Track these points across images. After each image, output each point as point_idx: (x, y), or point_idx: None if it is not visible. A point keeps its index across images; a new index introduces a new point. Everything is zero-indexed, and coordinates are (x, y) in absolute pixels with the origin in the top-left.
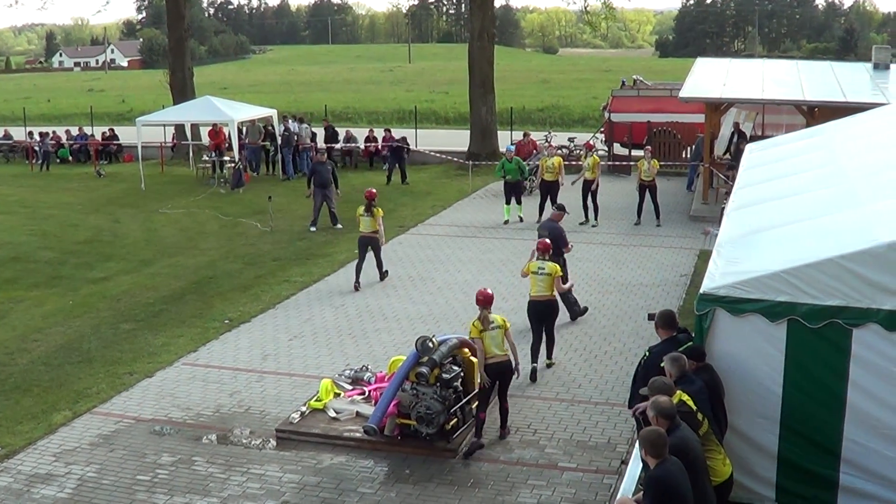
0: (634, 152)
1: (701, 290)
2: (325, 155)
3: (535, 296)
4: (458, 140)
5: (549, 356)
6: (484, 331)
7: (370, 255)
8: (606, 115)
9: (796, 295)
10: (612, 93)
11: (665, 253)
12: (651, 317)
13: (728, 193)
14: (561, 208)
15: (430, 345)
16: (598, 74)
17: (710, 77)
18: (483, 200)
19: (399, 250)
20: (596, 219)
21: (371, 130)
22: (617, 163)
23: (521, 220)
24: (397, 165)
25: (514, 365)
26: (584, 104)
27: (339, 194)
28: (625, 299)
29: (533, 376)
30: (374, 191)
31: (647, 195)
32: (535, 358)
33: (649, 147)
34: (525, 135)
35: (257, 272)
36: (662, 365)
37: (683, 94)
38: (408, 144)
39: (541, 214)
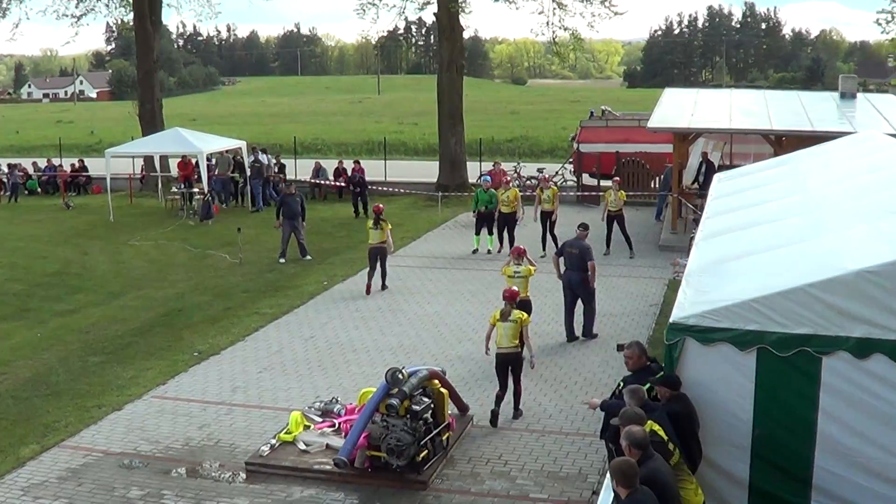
0: (603, 182)
1: (671, 320)
2: (294, 186)
3: (501, 347)
4: (427, 171)
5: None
6: (500, 321)
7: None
8: (575, 145)
9: (765, 324)
10: (580, 123)
11: (634, 283)
12: (620, 347)
13: (697, 223)
14: (585, 227)
15: (400, 376)
16: (566, 105)
17: (678, 107)
18: (453, 231)
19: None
20: (555, 242)
21: (340, 162)
22: (586, 193)
23: (490, 252)
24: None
25: (529, 356)
26: (553, 135)
27: (304, 226)
28: (599, 328)
29: (493, 421)
30: (381, 206)
31: (616, 226)
32: (497, 403)
33: (617, 178)
34: (495, 164)
35: (227, 304)
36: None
37: (652, 124)
38: (363, 182)
39: (501, 245)
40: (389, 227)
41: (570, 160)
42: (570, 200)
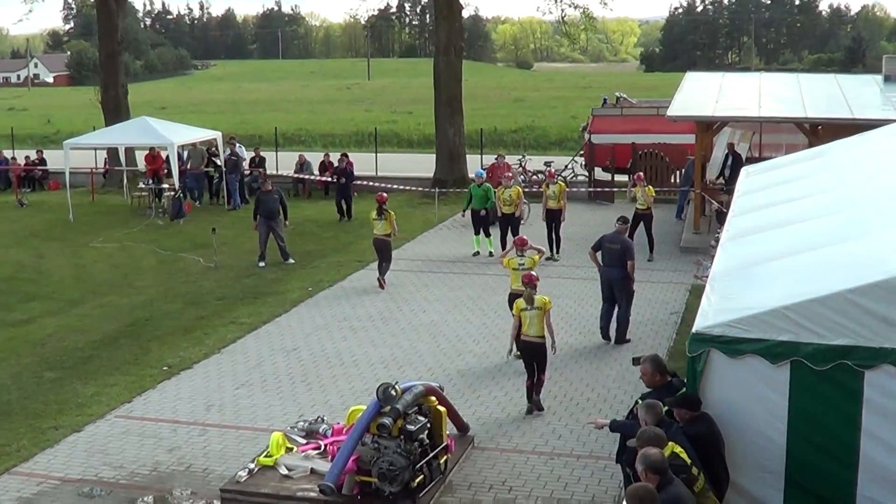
0: (618, 177)
1: (693, 330)
2: (270, 183)
3: (526, 335)
4: (423, 165)
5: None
6: (524, 310)
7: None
8: (586, 136)
9: (800, 333)
10: (592, 112)
11: (652, 288)
12: (636, 361)
13: (722, 221)
14: (624, 220)
15: (393, 393)
16: (577, 91)
17: (701, 93)
18: (451, 231)
19: (358, 287)
20: (558, 252)
21: (326, 155)
22: (599, 189)
23: (492, 254)
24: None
25: (551, 343)
26: (562, 125)
27: (287, 226)
28: (609, 341)
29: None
30: (385, 195)
31: (642, 226)
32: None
33: (640, 174)
34: (498, 157)
35: (200, 313)
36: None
37: (672, 112)
38: (350, 174)
39: (503, 247)
40: (395, 217)
41: (581, 153)
42: (581, 198)
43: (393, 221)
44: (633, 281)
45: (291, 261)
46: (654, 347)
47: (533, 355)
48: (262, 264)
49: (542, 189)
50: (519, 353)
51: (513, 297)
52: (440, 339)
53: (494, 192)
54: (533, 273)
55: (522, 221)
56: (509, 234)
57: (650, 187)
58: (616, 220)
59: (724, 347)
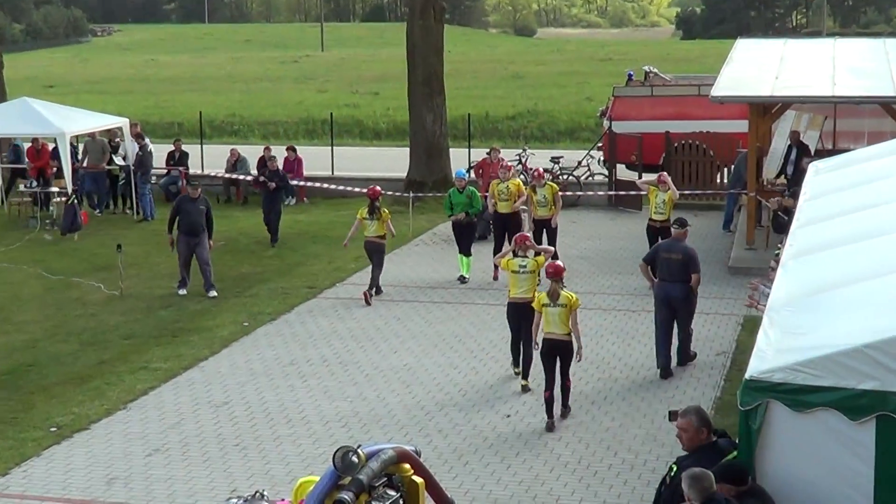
0: (647, 177)
1: (747, 375)
2: (198, 187)
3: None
4: (393, 162)
5: (524, 375)
6: (547, 306)
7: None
8: (606, 123)
9: (889, 381)
10: (614, 92)
11: (694, 323)
12: (673, 415)
13: (784, 233)
14: (682, 223)
15: (355, 459)
16: (593, 65)
17: (755, 66)
18: (429, 248)
19: (309, 322)
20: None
21: (267, 149)
22: (622, 192)
23: (464, 279)
24: (284, 205)
25: (577, 348)
26: (575, 108)
27: (212, 245)
28: (636, 390)
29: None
30: (379, 188)
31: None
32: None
33: (665, 175)
34: (491, 151)
35: (100, 356)
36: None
37: (718, 92)
38: (282, 177)
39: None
40: (389, 216)
41: (599, 146)
42: (599, 203)
43: (388, 223)
44: (696, 298)
45: (214, 294)
46: (695, 398)
47: (555, 353)
48: (182, 292)
49: (527, 193)
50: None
51: (513, 309)
52: (416, 388)
53: (480, 197)
54: (560, 263)
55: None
56: (506, 243)
57: (671, 192)
58: (672, 224)
59: (788, 399)
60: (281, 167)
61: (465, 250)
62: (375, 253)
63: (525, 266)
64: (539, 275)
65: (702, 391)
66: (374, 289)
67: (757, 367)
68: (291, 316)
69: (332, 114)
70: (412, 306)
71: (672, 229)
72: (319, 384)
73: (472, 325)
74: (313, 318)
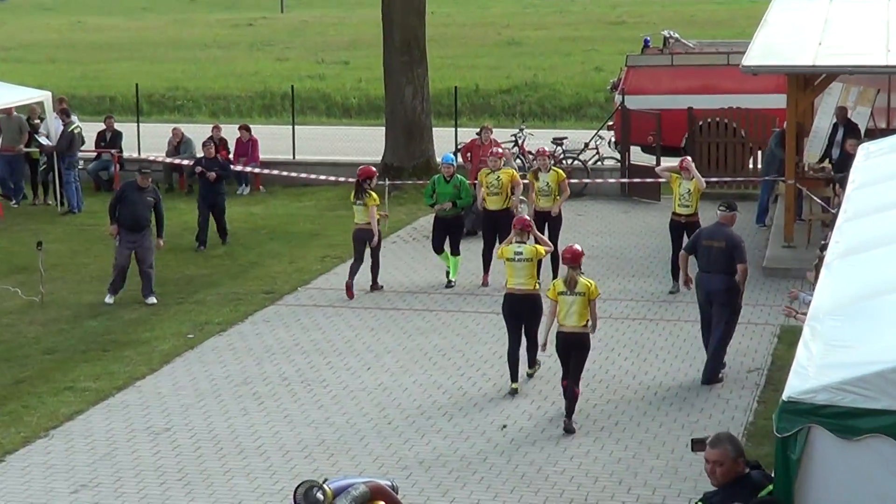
0: (667, 162)
1: (784, 396)
2: (149, 175)
3: (513, 287)
4: (365, 144)
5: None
6: (563, 294)
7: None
8: (618, 98)
9: None
10: (627, 61)
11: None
12: (698, 444)
13: (829, 228)
14: (730, 206)
15: (321, 496)
16: (602, 29)
17: (795, 30)
18: (409, 246)
19: (266, 333)
20: (556, 275)
21: (216, 128)
22: (637, 180)
23: (451, 283)
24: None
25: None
26: (581, 81)
27: (162, 244)
28: (653, 413)
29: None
30: (373, 168)
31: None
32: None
33: (688, 160)
34: (482, 130)
35: (17, 374)
36: None
37: (750, 60)
38: (225, 166)
39: (486, 267)
40: (377, 201)
41: (610, 124)
42: (610, 193)
43: (373, 209)
44: (741, 294)
45: (153, 300)
46: (723, 424)
47: (570, 349)
48: (109, 300)
49: (528, 180)
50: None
51: (509, 301)
52: (392, 412)
53: (468, 185)
54: (577, 247)
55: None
56: (497, 244)
57: (696, 181)
58: (718, 207)
59: (833, 424)
60: (233, 150)
61: (451, 247)
62: (358, 243)
63: (521, 253)
64: (539, 265)
65: (731, 415)
66: (351, 278)
67: (796, 386)
68: (245, 326)
69: (293, 87)
70: (388, 315)
71: (718, 212)
72: (278, 407)
73: (458, 338)
74: (271, 329)
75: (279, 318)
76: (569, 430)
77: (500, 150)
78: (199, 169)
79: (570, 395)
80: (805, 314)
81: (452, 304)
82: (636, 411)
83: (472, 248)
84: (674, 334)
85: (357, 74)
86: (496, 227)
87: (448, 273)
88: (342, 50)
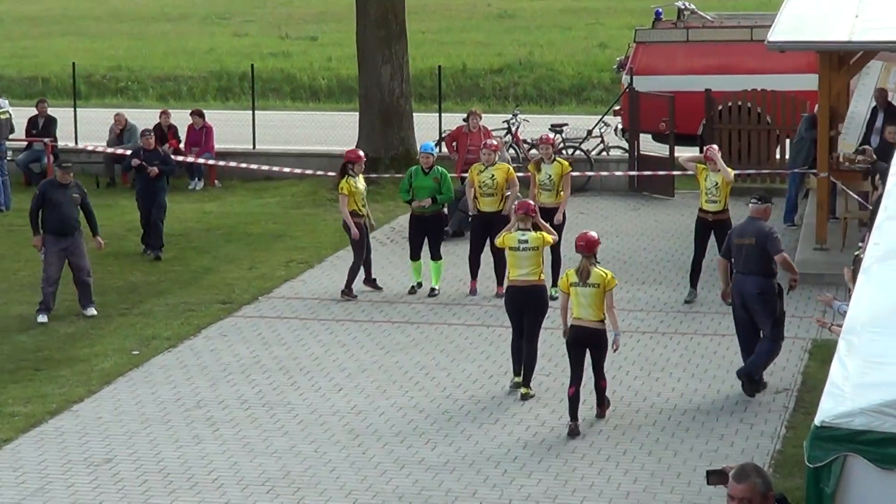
0: (682, 153)
1: (817, 421)
2: (70, 170)
3: (515, 280)
4: (337, 132)
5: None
6: (575, 285)
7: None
8: (626, 79)
9: None
10: (636, 36)
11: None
12: (713, 477)
13: (867, 228)
14: (763, 198)
15: None
16: (608, 0)
17: (828, 0)
18: (386, 249)
19: (223, 350)
20: (554, 285)
21: (165, 114)
22: (648, 173)
23: (435, 292)
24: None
25: (613, 337)
26: (583, 59)
27: (102, 244)
28: (666, 440)
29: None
30: (360, 153)
31: (714, 240)
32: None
33: (714, 148)
34: (469, 116)
35: None
36: None
37: (777, 35)
38: (169, 161)
39: (474, 273)
40: (343, 190)
41: (617, 108)
42: (616, 188)
43: (342, 198)
44: (782, 291)
45: (92, 312)
46: (747, 452)
47: (584, 345)
48: (42, 319)
49: (528, 172)
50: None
51: (511, 294)
52: (367, 440)
53: (450, 178)
54: (592, 233)
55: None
56: (486, 251)
57: (727, 174)
58: (749, 200)
59: (873, 452)
60: (184, 139)
61: (431, 252)
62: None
63: (526, 241)
64: (543, 255)
65: (755, 442)
66: (369, 276)
67: (831, 409)
68: (198, 341)
69: (253, 66)
70: (363, 328)
71: (749, 205)
72: (236, 434)
73: (443, 354)
74: (228, 345)
75: (237, 332)
76: (599, 415)
77: (494, 143)
78: (136, 161)
79: (599, 388)
80: (840, 326)
81: (436, 316)
82: (647, 438)
83: (457, 252)
84: (690, 350)
85: (326, 52)
86: (488, 229)
87: (417, 284)
88: (309, 23)
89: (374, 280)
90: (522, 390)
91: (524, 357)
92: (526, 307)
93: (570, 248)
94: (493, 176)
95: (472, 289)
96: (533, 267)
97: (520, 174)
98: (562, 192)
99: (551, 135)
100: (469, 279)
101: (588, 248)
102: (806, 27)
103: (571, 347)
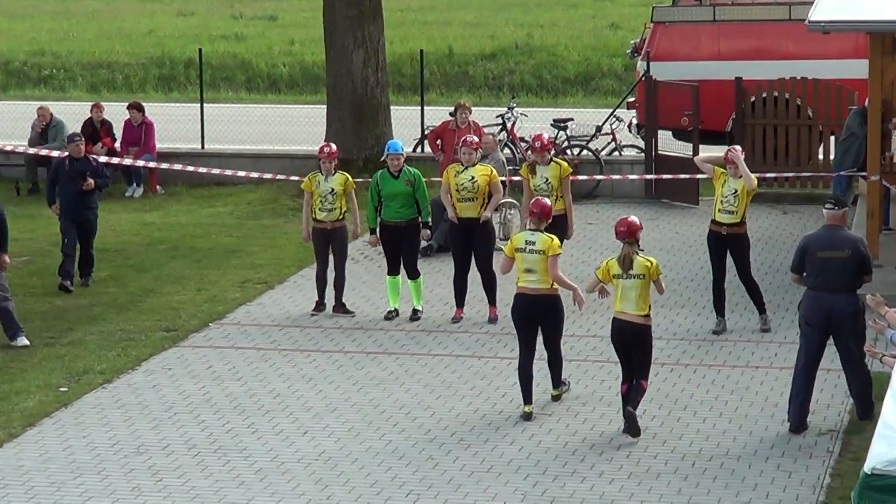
0: (707, 152)
1: (866, 468)
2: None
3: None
4: (301, 128)
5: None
6: (619, 277)
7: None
8: (642, 66)
9: None
10: (653, 17)
11: (781, 383)
12: None
13: None
14: (840, 202)
15: None
16: None
17: None
18: (359, 266)
19: (167, 386)
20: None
21: (97, 108)
22: (667, 176)
23: (417, 314)
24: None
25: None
26: (590, 44)
27: (6, 263)
28: (689, 490)
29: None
30: (335, 148)
31: (730, 258)
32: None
33: (737, 150)
34: (457, 109)
35: None
36: None
37: (820, 14)
38: (98, 170)
39: (460, 300)
40: (353, 186)
41: (631, 100)
42: (631, 194)
43: (352, 193)
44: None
45: (24, 341)
46: (787, 502)
47: (630, 341)
48: None
49: (522, 175)
50: None
51: (520, 303)
52: (337, 491)
53: (425, 183)
54: (633, 218)
55: (500, 239)
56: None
57: (748, 181)
58: (824, 205)
59: None
60: (120, 137)
61: (408, 270)
62: (332, 244)
63: (533, 243)
64: (550, 260)
65: (794, 493)
66: (336, 300)
67: (883, 454)
68: (137, 376)
69: (200, 51)
70: (332, 359)
71: (825, 211)
72: (183, 485)
73: (426, 390)
74: (173, 380)
75: (184, 365)
76: (632, 426)
77: (475, 140)
78: (88, 184)
79: (637, 388)
80: (895, 357)
81: (418, 345)
82: (667, 488)
83: (443, 269)
84: (718, 384)
85: (288, 34)
86: (468, 239)
87: (394, 310)
88: (267, 0)
89: (343, 305)
90: (553, 392)
91: (549, 362)
92: (543, 320)
93: (575, 265)
94: (472, 178)
95: (457, 317)
96: (543, 272)
97: (518, 178)
98: (562, 198)
99: (546, 133)
100: (456, 304)
101: (630, 234)
102: (855, 4)
103: (616, 345)
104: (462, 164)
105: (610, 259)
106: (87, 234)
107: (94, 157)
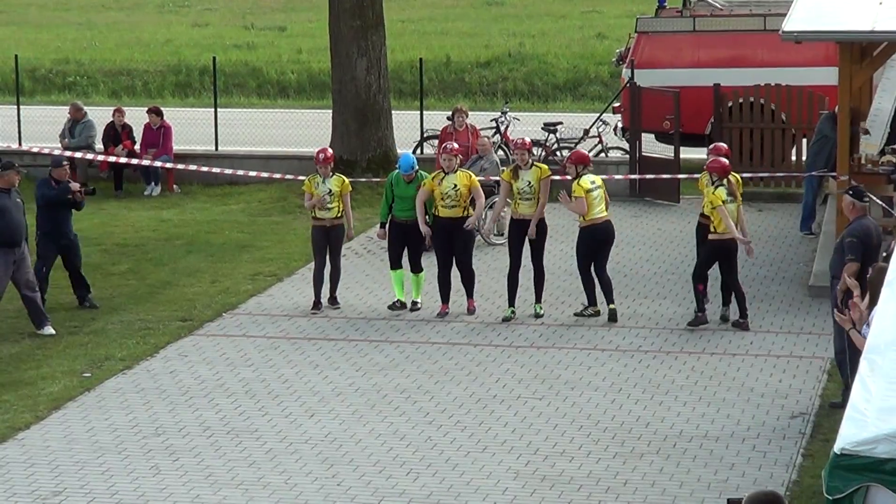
0: (688, 154)
1: (836, 448)
2: (15, 173)
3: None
4: (308, 131)
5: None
6: (727, 202)
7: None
8: (626, 73)
9: None
10: (637, 26)
11: (757, 370)
12: None
13: (892, 237)
14: (857, 194)
15: None
16: None
17: None
18: (363, 260)
19: (183, 372)
20: (539, 301)
21: (118, 112)
22: (650, 176)
23: (417, 305)
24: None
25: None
26: (579, 52)
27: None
28: (671, 469)
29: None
30: (331, 152)
31: (718, 256)
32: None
33: (721, 147)
34: (454, 114)
35: None
36: None
37: (793, 25)
38: (77, 201)
39: (445, 296)
40: (349, 188)
41: (616, 105)
42: (616, 193)
43: (346, 196)
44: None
45: (50, 330)
46: (760, 482)
47: (725, 256)
48: None
49: (504, 179)
50: None
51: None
52: (342, 470)
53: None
54: (724, 160)
55: (480, 230)
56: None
57: (731, 181)
58: (847, 191)
59: None
60: (139, 140)
61: (412, 265)
62: (329, 243)
63: (595, 182)
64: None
65: (768, 472)
66: (330, 294)
67: (851, 435)
68: (156, 363)
69: (215, 59)
70: (337, 347)
71: (851, 204)
72: (199, 464)
73: (425, 376)
74: (189, 366)
75: (199, 352)
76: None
77: (455, 146)
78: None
79: (738, 294)
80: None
81: (418, 334)
82: (650, 467)
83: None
84: (697, 370)
85: (296, 43)
86: (450, 236)
87: (398, 302)
88: (277, 12)
89: (335, 298)
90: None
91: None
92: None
93: (553, 260)
94: (455, 186)
95: (442, 312)
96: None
97: (496, 177)
98: (539, 197)
99: (531, 137)
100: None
101: (722, 171)
102: (825, 15)
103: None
104: (444, 171)
105: (719, 190)
106: (73, 257)
107: (72, 183)
